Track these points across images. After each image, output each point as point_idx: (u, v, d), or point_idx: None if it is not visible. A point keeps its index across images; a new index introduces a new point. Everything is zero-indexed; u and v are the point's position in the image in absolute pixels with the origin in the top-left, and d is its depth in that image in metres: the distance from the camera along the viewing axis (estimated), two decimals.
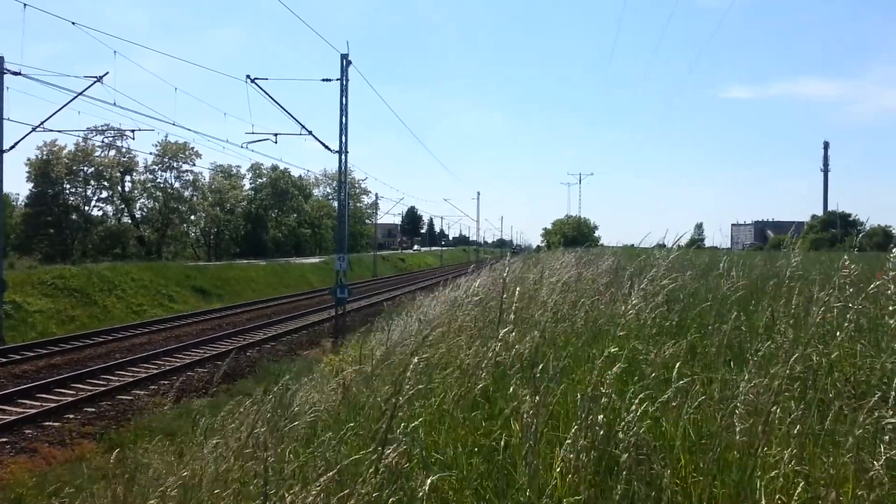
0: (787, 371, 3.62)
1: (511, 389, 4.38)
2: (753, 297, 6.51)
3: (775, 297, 6.16)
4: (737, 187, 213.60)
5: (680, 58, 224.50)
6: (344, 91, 24.17)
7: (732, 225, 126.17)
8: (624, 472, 3.21)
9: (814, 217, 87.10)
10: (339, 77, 24.18)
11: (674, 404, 3.74)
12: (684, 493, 3.33)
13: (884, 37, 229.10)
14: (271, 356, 20.58)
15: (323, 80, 24.74)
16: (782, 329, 4.82)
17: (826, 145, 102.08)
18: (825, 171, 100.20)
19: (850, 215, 71.96)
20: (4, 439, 12.16)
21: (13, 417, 13.14)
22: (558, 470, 3.51)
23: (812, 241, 44.43)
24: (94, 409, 14.29)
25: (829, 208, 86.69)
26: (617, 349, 4.63)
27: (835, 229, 56.62)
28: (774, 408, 3.25)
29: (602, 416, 3.49)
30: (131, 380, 16.65)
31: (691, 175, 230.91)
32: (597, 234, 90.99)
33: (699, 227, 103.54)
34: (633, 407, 3.40)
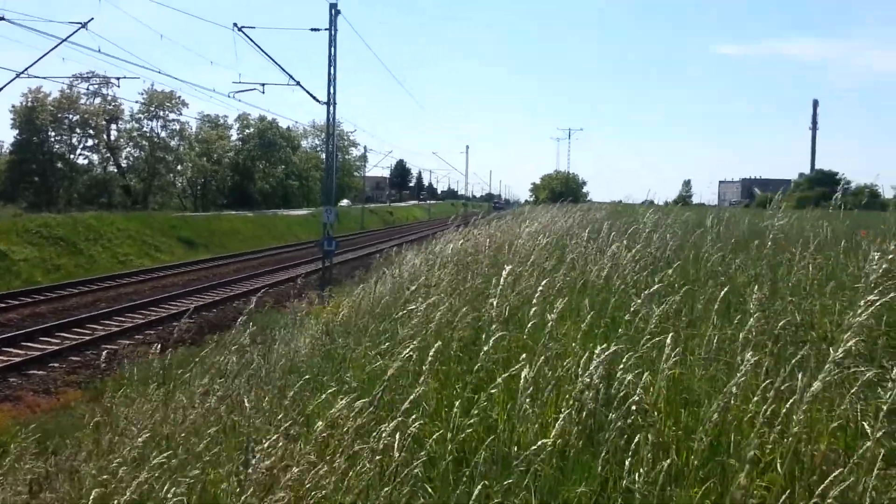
0: (761, 325, 3.65)
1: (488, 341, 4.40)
2: (734, 254, 6.55)
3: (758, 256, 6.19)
4: (725, 145, 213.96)
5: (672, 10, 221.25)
6: (333, 41, 23.82)
7: (720, 182, 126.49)
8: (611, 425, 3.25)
9: (801, 175, 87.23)
10: (327, 27, 23.80)
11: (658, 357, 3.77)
12: (663, 447, 3.38)
13: None
14: (257, 307, 20.58)
15: (311, 29, 24.41)
16: (761, 286, 4.85)
17: (815, 103, 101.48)
18: (813, 129, 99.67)
19: (836, 174, 72.02)
20: None
21: None
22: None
23: (798, 199, 44.67)
24: (79, 358, 14.31)
25: (817, 167, 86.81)
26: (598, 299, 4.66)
27: (822, 188, 56.72)
28: (748, 357, 3.28)
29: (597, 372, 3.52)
30: (117, 329, 16.67)
31: (680, 132, 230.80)
32: (585, 189, 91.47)
33: (687, 183, 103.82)
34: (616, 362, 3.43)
